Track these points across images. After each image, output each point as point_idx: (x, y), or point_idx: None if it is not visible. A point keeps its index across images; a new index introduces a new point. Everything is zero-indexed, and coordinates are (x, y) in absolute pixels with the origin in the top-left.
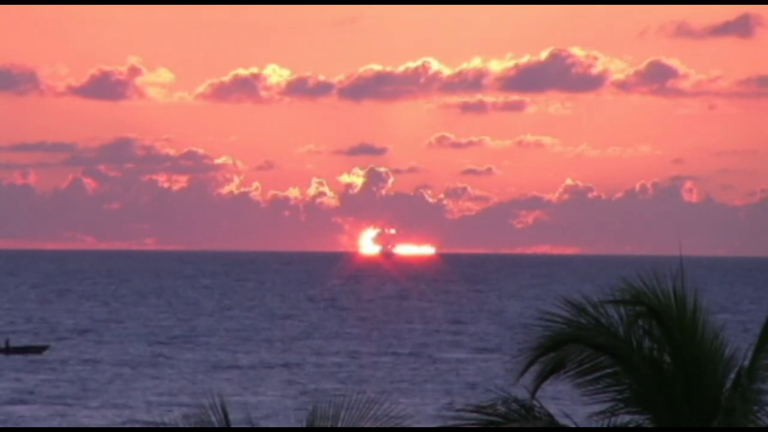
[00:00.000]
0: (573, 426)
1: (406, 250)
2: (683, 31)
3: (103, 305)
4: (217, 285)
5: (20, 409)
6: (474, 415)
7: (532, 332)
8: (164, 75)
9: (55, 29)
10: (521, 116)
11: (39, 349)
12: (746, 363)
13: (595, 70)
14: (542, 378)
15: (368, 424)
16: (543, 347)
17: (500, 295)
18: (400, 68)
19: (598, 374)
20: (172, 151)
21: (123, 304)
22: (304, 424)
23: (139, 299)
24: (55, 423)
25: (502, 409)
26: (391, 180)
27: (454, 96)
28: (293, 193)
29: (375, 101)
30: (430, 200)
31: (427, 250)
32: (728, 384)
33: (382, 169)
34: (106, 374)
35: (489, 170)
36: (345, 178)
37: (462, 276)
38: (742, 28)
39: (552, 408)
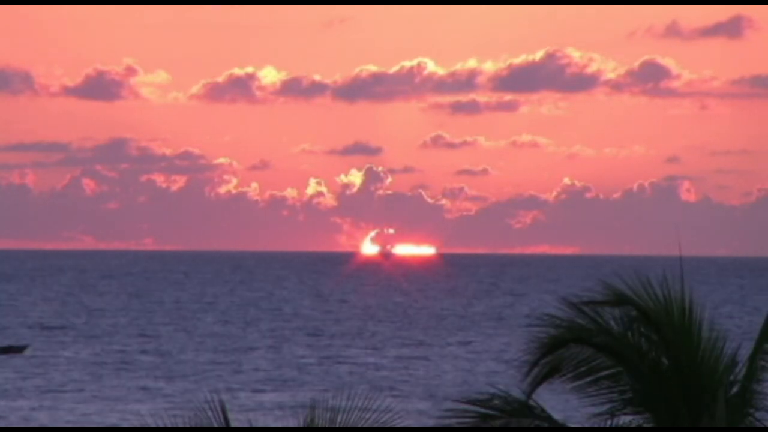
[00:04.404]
0: (570, 424)
1: (405, 250)
2: (675, 32)
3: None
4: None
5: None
6: (469, 407)
7: (534, 334)
8: (159, 75)
9: (50, 30)
10: (515, 116)
11: (20, 349)
12: (745, 364)
13: (587, 71)
14: (539, 381)
15: (366, 424)
16: (545, 348)
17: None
18: (395, 68)
19: (597, 375)
20: (167, 151)
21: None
22: (302, 424)
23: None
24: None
25: (499, 404)
26: (389, 180)
27: (447, 96)
28: (291, 193)
29: (369, 101)
30: (429, 200)
31: (427, 250)
32: (723, 385)
33: (379, 169)
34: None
35: (485, 170)
36: (343, 178)
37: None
38: (734, 29)
39: (548, 407)
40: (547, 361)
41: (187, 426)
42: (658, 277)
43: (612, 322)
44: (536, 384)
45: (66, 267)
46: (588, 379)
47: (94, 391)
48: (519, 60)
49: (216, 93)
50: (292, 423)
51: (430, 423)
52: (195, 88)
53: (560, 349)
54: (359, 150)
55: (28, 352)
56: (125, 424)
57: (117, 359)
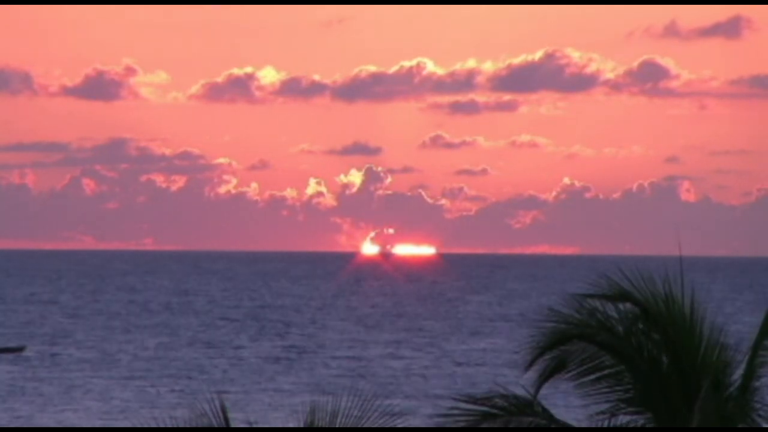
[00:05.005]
0: (571, 423)
1: (405, 250)
2: (674, 32)
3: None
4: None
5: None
6: (471, 406)
7: (537, 329)
8: (159, 75)
9: (49, 30)
10: (514, 116)
11: (17, 349)
12: (744, 363)
13: (586, 71)
14: (544, 378)
15: (366, 424)
16: (548, 343)
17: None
18: (394, 68)
19: (599, 374)
20: (167, 151)
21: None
22: (302, 425)
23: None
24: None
25: (500, 402)
26: (388, 180)
27: (446, 96)
28: (291, 193)
29: (369, 101)
30: (428, 200)
31: (427, 250)
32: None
33: (379, 169)
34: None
35: (484, 170)
36: (342, 178)
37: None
38: (733, 29)
39: (549, 405)
40: (550, 357)
41: (187, 426)
42: (660, 275)
43: (614, 321)
44: (542, 381)
45: (49, 268)
46: (591, 377)
47: (92, 391)
48: (518, 60)
49: (215, 93)
50: (292, 423)
51: (429, 423)
52: (194, 88)
53: (563, 345)
54: (359, 150)
55: (25, 353)
56: (125, 424)
57: (113, 359)
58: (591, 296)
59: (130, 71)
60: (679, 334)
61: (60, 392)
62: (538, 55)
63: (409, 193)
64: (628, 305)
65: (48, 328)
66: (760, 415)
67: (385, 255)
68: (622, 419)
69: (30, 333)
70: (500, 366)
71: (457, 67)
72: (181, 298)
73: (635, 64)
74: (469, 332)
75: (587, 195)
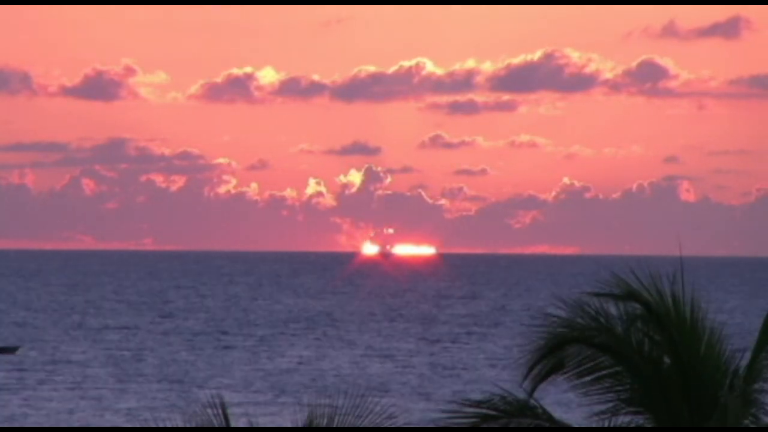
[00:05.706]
0: (571, 424)
1: (405, 250)
2: (673, 32)
3: None
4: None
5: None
6: (472, 409)
7: (534, 333)
8: (158, 75)
9: (49, 30)
10: (513, 116)
11: (11, 350)
12: (745, 363)
13: (586, 71)
14: (540, 378)
15: (365, 424)
16: (546, 348)
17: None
18: (393, 68)
19: (598, 374)
20: (166, 151)
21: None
22: (301, 424)
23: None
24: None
25: (499, 404)
26: (388, 180)
27: (445, 96)
28: (290, 193)
29: (368, 101)
30: (428, 200)
31: (427, 250)
32: (727, 384)
33: (378, 169)
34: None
35: (484, 170)
36: (342, 178)
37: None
38: (731, 29)
39: (550, 406)
40: (547, 359)
41: (187, 426)
42: (664, 275)
43: (614, 321)
44: (539, 381)
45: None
46: (590, 377)
47: (90, 391)
48: (517, 60)
49: (214, 93)
50: (290, 423)
51: (428, 424)
52: (194, 88)
53: (561, 350)
54: (358, 150)
55: (19, 353)
56: (124, 424)
57: (110, 359)
58: (596, 294)
59: (129, 71)
60: (680, 334)
61: (55, 392)
62: (537, 55)
63: (408, 193)
64: (628, 305)
65: (42, 329)
66: (760, 417)
67: (385, 255)
68: (622, 419)
69: (24, 333)
70: (498, 367)
71: (457, 67)
72: (175, 298)
73: (634, 64)
74: (467, 332)
75: (587, 195)
